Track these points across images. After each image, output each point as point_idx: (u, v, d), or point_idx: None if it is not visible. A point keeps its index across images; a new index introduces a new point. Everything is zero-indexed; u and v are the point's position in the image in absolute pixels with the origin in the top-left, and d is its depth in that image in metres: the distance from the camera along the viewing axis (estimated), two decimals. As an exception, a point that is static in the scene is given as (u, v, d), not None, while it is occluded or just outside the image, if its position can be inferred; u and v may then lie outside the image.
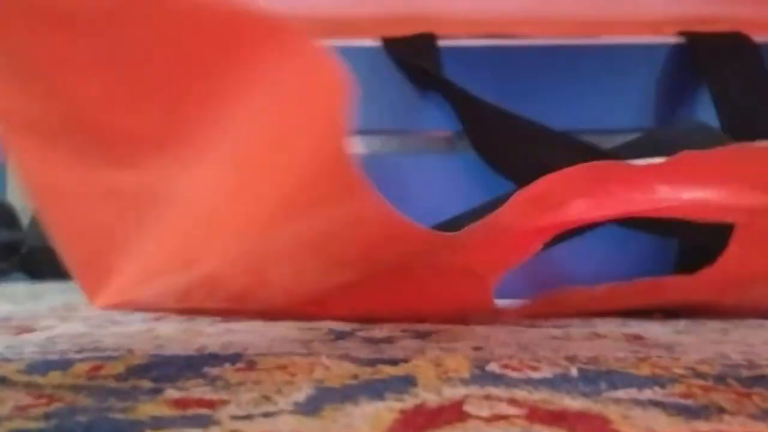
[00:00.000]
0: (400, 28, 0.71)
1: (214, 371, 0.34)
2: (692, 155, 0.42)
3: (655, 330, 0.50)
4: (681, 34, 0.70)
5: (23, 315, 0.62)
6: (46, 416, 0.26)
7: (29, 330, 0.51)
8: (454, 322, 0.52)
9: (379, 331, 0.48)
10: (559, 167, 0.43)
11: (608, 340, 0.45)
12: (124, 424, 0.25)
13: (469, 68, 0.72)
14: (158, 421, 0.25)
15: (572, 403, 0.27)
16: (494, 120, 0.63)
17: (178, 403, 0.28)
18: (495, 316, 0.50)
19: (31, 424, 0.25)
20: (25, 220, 1.45)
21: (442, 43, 0.73)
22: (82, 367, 0.35)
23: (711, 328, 0.51)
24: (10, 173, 2.13)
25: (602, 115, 0.72)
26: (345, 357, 0.38)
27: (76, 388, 0.31)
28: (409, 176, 0.72)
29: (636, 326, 0.52)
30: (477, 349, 0.40)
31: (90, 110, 0.43)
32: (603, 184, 0.46)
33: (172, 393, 0.30)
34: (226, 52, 0.36)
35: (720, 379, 0.32)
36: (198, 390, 0.30)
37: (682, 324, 0.53)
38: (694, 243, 0.63)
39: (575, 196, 0.47)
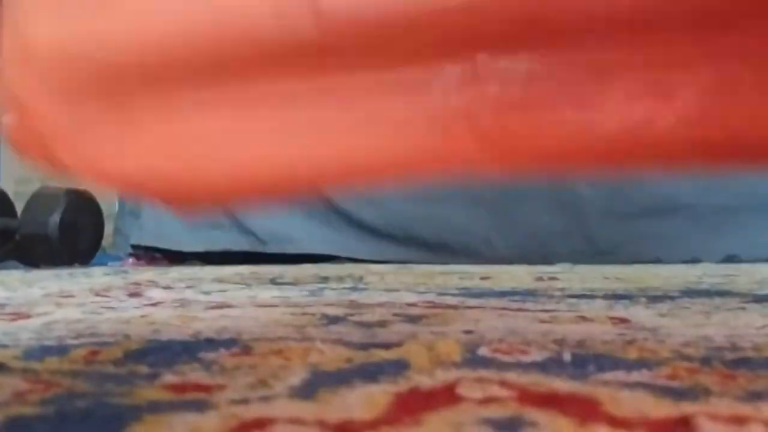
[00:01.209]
0: None
1: (210, 356, 0.35)
2: None
3: (639, 313, 0.51)
4: None
5: (18, 301, 0.62)
6: (44, 402, 0.26)
7: (25, 316, 0.51)
8: None
9: (371, 316, 0.49)
10: None
11: (594, 323, 0.45)
12: (122, 409, 0.26)
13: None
14: (156, 406, 0.26)
15: (562, 385, 0.28)
16: None
17: (176, 388, 0.28)
18: None
19: (29, 410, 0.25)
20: (19, 207, 1.44)
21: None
22: (79, 353, 0.36)
23: (694, 311, 0.52)
24: (4, 161, 2.12)
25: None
26: (338, 341, 0.38)
27: (73, 374, 0.31)
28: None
29: (621, 309, 0.53)
30: (467, 333, 0.41)
31: None
32: None
33: (169, 378, 0.30)
34: None
35: (705, 361, 0.33)
36: (194, 375, 0.31)
37: (665, 307, 0.54)
38: None
39: None
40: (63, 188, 1.50)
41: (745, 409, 0.25)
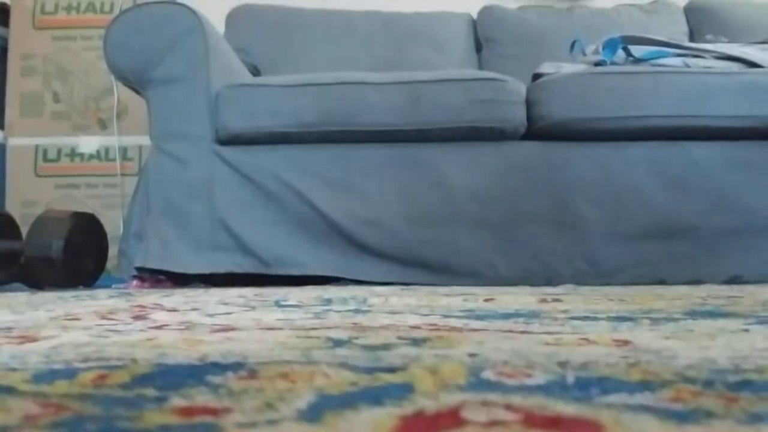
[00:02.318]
0: None
1: (217, 379, 0.35)
2: None
3: (643, 335, 0.51)
4: None
5: (25, 324, 0.63)
6: (55, 425, 0.27)
7: (32, 339, 0.52)
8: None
9: (376, 339, 0.49)
10: None
11: (598, 345, 0.46)
12: (132, 432, 0.26)
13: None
14: (165, 429, 0.26)
15: (566, 408, 0.28)
16: None
17: (184, 411, 0.29)
18: None
19: (41, 433, 0.26)
20: (24, 230, 1.45)
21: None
22: (87, 376, 0.36)
23: (697, 333, 0.52)
24: (9, 185, 2.13)
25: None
26: (344, 365, 0.38)
27: (82, 397, 0.31)
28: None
29: (625, 331, 0.53)
30: (472, 356, 0.41)
31: None
32: None
33: (177, 401, 0.30)
34: None
35: (708, 384, 0.33)
36: (202, 398, 0.31)
37: (669, 329, 0.54)
38: None
39: None
40: (68, 211, 1.51)
41: (747, 431, 0.25)
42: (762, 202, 1.40)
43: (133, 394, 0.32)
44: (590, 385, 0.33)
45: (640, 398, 0.30)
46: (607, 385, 0.33)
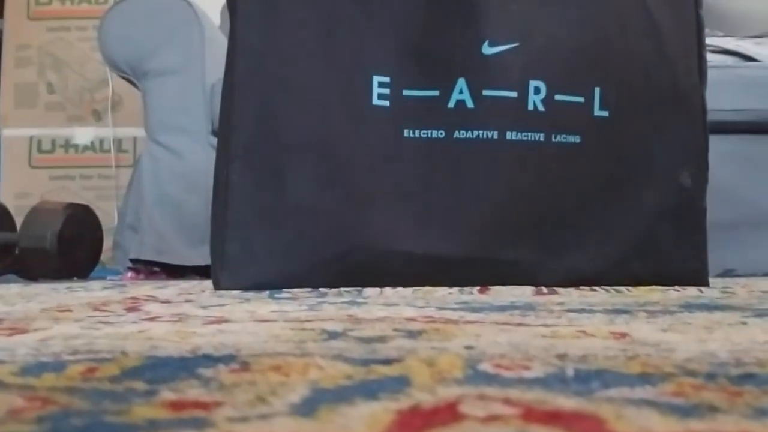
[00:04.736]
0: None
1: (208, 372, 0.34)
2: None
3: (640, 328, 0.50)
4: None
5: (16, 316, 0.62)
6: (40, 420, 0.26)
7: (22, 331, 0.51)
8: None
9: (371, 331, 0.48)
10: None
11: (596, 338, 0.45)
12: (120, 428, 0.25)
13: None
14: (154, 424, 0.25)
15: (566, 402, 0.28)
16: None
17: (174, 405, 0.28)
18: None
19: (25, 428, 0.25)
20: (19, 221, 1.44)
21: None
22: (76, 369, 0.35)
23: (695, 326, 0.51)
24: (3, 175, 2.12)
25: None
26: (338, 357, 0.38)
27: (70, 391, 0.31)
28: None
29: (622, 324, 0.52)
30: (468, 348, 0.41)
31: None
32: None
33: (166, 395, 0.30)
34: None
35: (710, 377, 0.32)
36: (193, 391, 0.30)
37: (666, 322, 0.54)
38: None
39: None
40: (62, 203, 1.50)
41: (752, 426, 0.25)
42: (758, 196, 1.40)
43: (122, 388, 0.31)
44: (590, 378, 0.32)
45: (641, 392, 0.29)
46: (607, 378, 0.32)
